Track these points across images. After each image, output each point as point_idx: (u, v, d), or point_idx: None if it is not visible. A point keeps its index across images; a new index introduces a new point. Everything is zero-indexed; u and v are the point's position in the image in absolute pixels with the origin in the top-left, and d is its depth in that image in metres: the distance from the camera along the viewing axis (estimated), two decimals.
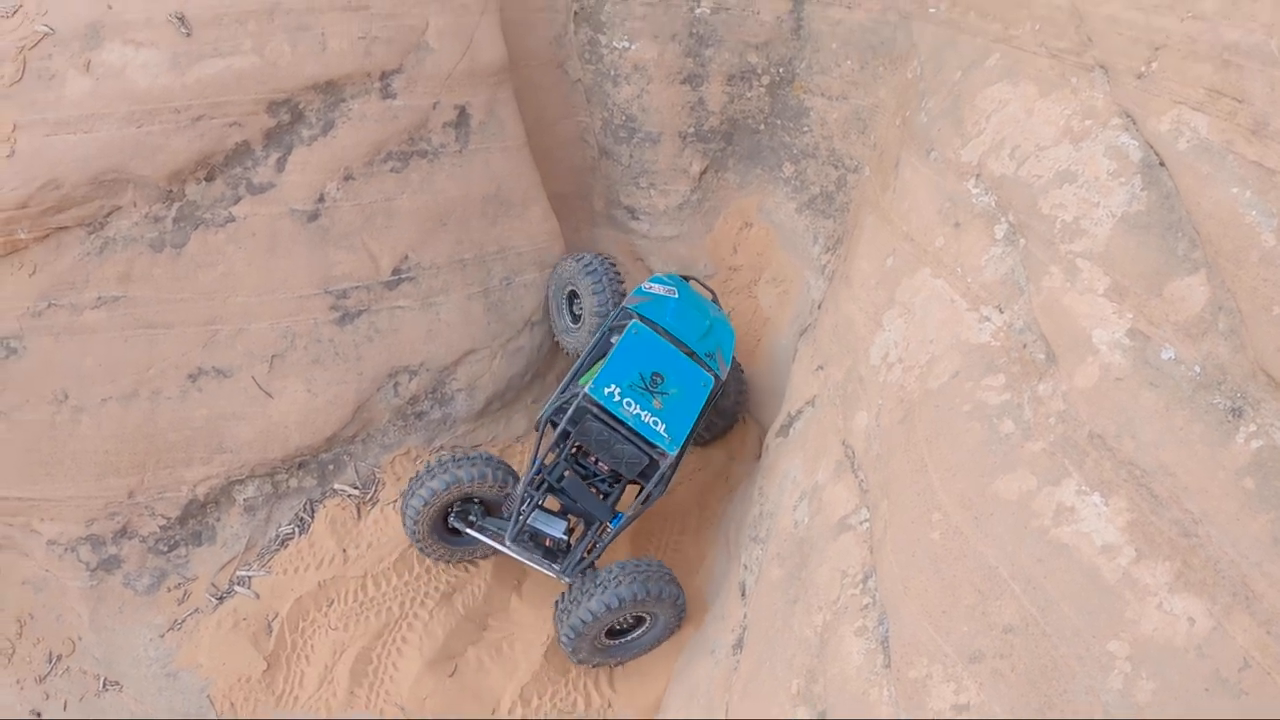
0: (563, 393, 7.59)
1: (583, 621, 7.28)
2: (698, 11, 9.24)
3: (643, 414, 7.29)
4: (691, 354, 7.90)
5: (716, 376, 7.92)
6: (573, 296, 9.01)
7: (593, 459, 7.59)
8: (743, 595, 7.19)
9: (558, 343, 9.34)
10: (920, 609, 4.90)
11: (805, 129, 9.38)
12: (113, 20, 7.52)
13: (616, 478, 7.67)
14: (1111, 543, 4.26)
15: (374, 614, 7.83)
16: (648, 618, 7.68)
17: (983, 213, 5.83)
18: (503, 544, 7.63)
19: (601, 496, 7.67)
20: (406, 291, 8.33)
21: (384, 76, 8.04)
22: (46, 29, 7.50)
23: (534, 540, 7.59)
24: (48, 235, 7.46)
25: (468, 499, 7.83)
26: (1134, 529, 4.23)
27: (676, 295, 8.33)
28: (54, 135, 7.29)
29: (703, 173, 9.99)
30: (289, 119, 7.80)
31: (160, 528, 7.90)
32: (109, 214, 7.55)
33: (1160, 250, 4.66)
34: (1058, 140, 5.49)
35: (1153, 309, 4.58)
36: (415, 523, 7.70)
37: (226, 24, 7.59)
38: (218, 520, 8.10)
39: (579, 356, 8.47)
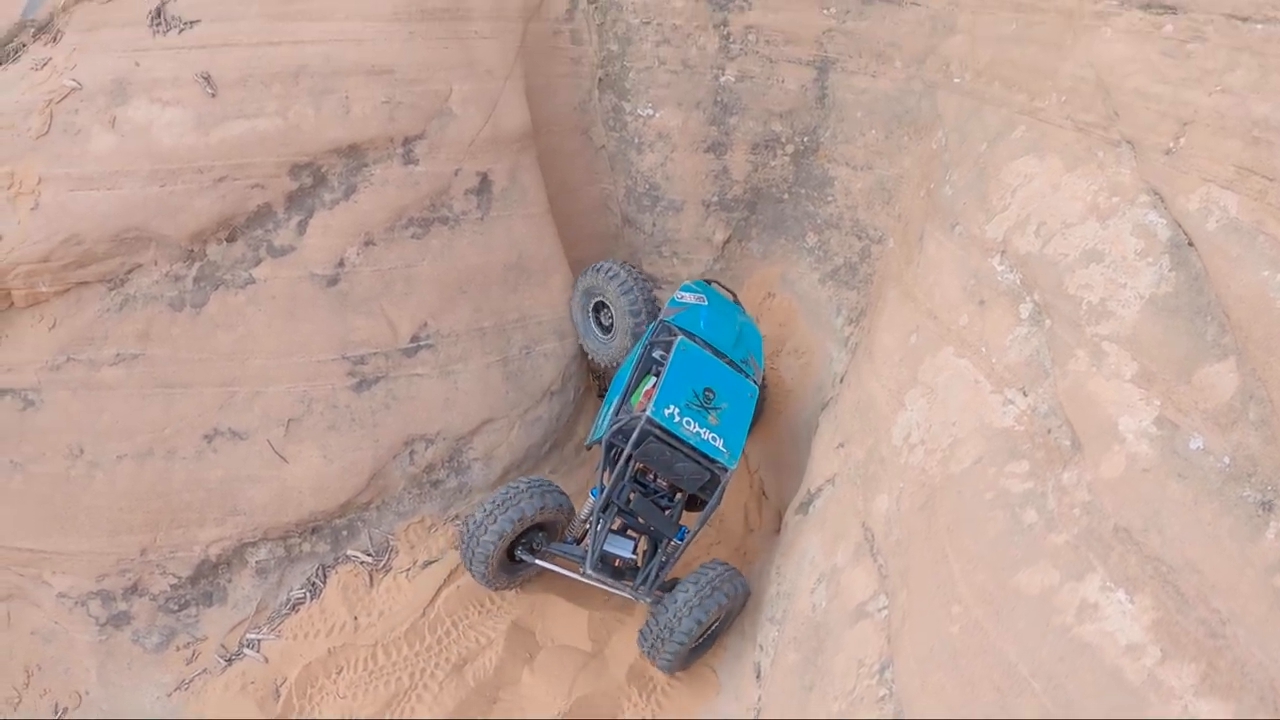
0: (615, 414, 7.70)
1: (688, 633, 7.29)
2: (722, 79, 9.25)
3: (702, 432, 7.49)
4: (730, 363, 8.09)
5: (755, 384, 8.13)
6: (599, 307, 9.03)
7: (652, 476, 7.75)
8: (757, 677, 7.06)
9: (586, 353, 9.37)
10: (938, 704, 4.75)
11: (829, 198, 9.32)
12: (140, 77, 7.62)
13: (674, 491, 7.81)
14: (1136, 642, 4.10)
15: (383, 683, 7.70)
16: (725, 614, 7.76)
17: (1008, 291, 5.74)
18: (577, 572, 7.74)
19: (662, 511, 7.82)
20: (425, 359, 8.28)
21: (406, 142, 8.06)
22: (74, 84, 7.60)
23: (604, 562, 7.65)
24: (68, 290, 7.50)
25: (531, 528, 7.86)
26: (1159, 628, 4.07)
27: (707, 303, 8.48)
28: (78, 190, 7.35)
29: (726, 242, 9.95)
30: (311, 182, 7.83)
31: (171, 586, 7.81)
32: (130, 271, 7.58)
33: (1189, 335, 4.55)
34: (1084, 217, 5.41)
35: (1181, 396, 4.46)
36: (487, 560, 7.65)
37: (251, 85, 7.66)
38: (229, 581, 8.02)
39: (609, 367, 8.77)
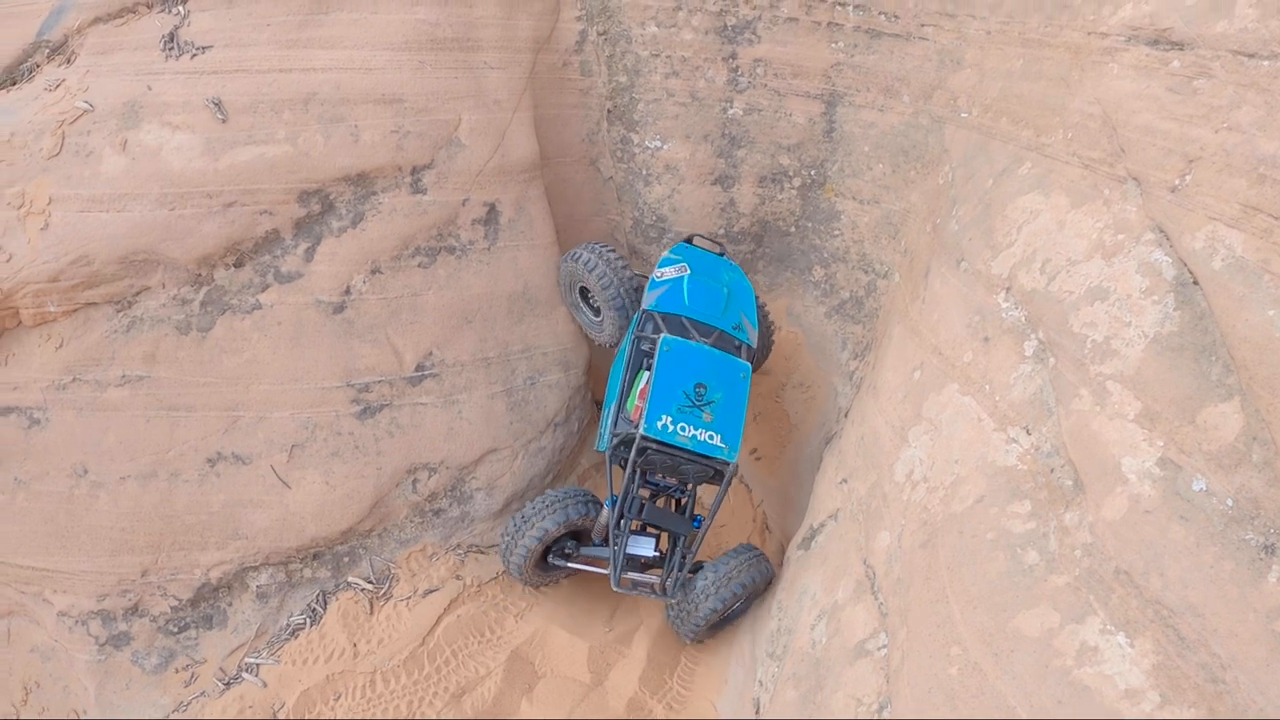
0: (614, 423, 7.76)
1: (711, 611, 7.70)
2: (730, 112, 9.26)
3: (698, 433, 7.44)
4: (721, 335, 8.02)
5: (749, 347, 8.14)
6: (585, 291, 9.03)
7: (660, 475, 7.82)
8: (757, 712, 6.97)
9: (589, 384, 9.50)
10: None
11: (836, 232, 9.31)
12: (151, 101, 7.70)
13: (685, 483, 7.91)
14: (1135, 687, 4.05)
15: (381, 711, 7.64)
16: (747, 595, 8.00)
17: (1012, 328, 5.70)
18: (606, 571, 7.97)
19: (676, 505, 8.02)
20: (429, 388, 8.28)
21: (415, 171, 8.10)
22: (86, 106, 7.66)
23: (629, 563, 7.81)
24: (76, 310, 7.55)
25: (565, 534, 8.14)
26: (1159, 672, 4.02)
27: (689, 271, 8.35)
28: (88, 212, 7.42)
29: None
30: (319, 209, 7.86)
31: (171, 608, 7.82)
32: (138, 293, 7.62)
33: (1193, 374, 4.50)
34: (1089, 254, 5.37)
35: (1184, 437, 4.41)
36: (525, 559, 8.01)
37: (262, 112, 7.72)
38: (229, 605, 8.01)
39: (609, 347, 8.91)
